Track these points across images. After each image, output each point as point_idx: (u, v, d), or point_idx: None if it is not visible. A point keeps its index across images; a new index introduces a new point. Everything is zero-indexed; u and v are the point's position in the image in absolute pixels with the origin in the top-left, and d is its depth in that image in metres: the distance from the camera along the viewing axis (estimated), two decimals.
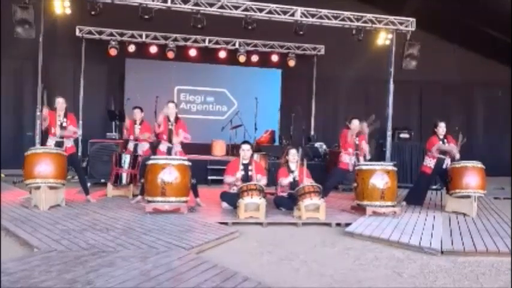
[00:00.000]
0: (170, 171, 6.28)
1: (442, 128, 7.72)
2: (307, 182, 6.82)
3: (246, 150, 7.13)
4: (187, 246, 4.76)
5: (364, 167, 7.00)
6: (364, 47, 11.21)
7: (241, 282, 3.72)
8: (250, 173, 6.97)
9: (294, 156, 7.13)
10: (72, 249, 4.55)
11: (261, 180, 6.90)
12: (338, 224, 6.34)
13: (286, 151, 7.31)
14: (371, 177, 6.77)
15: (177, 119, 7.41)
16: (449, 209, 7.36)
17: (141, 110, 8.18)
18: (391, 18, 10.03)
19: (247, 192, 6.30)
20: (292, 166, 7.14)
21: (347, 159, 7.77)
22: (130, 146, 8.11)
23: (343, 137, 7.90)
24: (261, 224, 6.22)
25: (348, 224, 6.18)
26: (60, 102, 7.16)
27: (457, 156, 7.65)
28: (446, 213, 7.22)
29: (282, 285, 3.92)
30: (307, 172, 7.05)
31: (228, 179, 7.07)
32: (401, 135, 12.52)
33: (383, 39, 10.64)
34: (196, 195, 7.25)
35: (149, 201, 6.43)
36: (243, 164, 7.09)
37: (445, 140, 7.75)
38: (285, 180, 7.04)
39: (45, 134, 7.37)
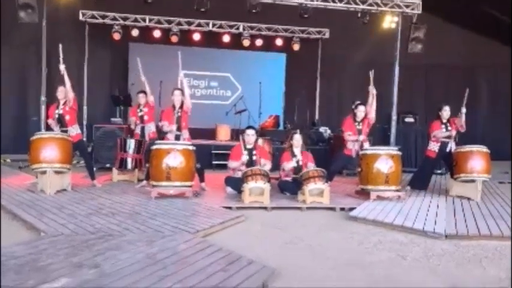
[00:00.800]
0: (175, 155, 6.30)
1: (446, 111, 7.66)
2: (310, 166, 6.84)
3: (250, 135, 7.13)
4: (192, 230, 4.80)
5: (368, 152, 6.98)
6: (370, 30, 11.13)
7: (246, 265, 3.76)
8: (254, 157, 6.98)
9: (298, 141, 7.13)
10: (79, 233, 4.60)
11: (266, 164, 6.92)
12: (342, 209, 6.36)
13: (291, 135, 7.31)
14: (375, 162, 6.74)
15: (182, 105, 7.38)
16: (454, 193, 7.36)
17: (146, 94, 8.16)
18: (397, 0, 9.91)
19: (252, 177, 6.33)
20: (296, 151, 7.14)
21: (351, 145, 7.71)
22: (137, 129, 8.10)
23: (347, 124, 7.78)
24: (265, 208, 6.24)
25: (352, 209, 6.20)
26: (60, 91, 7.11)
27: (463, 129, 7.64)
28: (451, 198, 7.23)
29: (286, 268, 3.94)
30: (310, 157, 7.05)
31: (232, 164, 7.09)
32: (406, 120, 12.47)
33: (388, 22, 10.56)
34: (202, 179, 7.28)
35: (154, 186, 6.46)
36: (247, 149, 7.10)
37: (448, 124, 7.69)
38: (288, 165, 7.06)
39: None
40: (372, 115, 7.62)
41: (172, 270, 3.58)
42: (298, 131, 7.42)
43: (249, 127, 7.38)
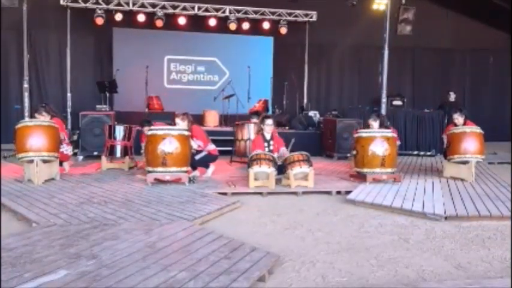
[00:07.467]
0: (170, 141, 6.16)
1: (457, 119, 7.47)
2: (283, 151, 6.78)
3: (270, 125, 6.95)
4: (189, 218, 4.68)
5: (363, 134, 6.88)
6: (358, 13, 11.01)
7: (249, 252, 3.65)
8: (271, 147, 6.85)
9: (269, 125, 6.96)
10: (72, 223, 4.44)
11: (286, 153, 6.75)
12: (338, 192, 6.31)
13: (261, 119, 7.11)
14: (371, 144, 6.67)
15: None
16: (447, 174, 7.36)
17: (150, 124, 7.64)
18: None
19: (256, 161, 6.23)
20: (267, 135, 6.99)
21: None
22: None
23: None
24: (260, 193, 6.15)
25: (348, 192, 6.14)
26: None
27: None
28: (445, 179, 7.22)
29: (289, 254, 3.86)
30: (281, 141, 6.99)
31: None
32: (394, 102, 12.52)
33: (377, 4, 10.43)
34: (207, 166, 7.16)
35: (150, 172, 6.33)
36: (267, 140, 6.93)
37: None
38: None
39: None
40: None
41: (175, 258, 3.45)
42: (270, 115, 7.22)
43: (267, 117, 7.18)
